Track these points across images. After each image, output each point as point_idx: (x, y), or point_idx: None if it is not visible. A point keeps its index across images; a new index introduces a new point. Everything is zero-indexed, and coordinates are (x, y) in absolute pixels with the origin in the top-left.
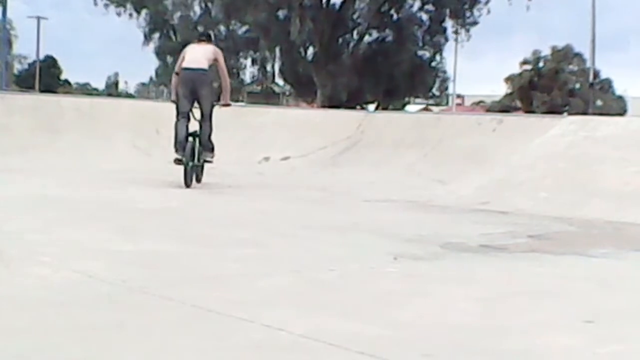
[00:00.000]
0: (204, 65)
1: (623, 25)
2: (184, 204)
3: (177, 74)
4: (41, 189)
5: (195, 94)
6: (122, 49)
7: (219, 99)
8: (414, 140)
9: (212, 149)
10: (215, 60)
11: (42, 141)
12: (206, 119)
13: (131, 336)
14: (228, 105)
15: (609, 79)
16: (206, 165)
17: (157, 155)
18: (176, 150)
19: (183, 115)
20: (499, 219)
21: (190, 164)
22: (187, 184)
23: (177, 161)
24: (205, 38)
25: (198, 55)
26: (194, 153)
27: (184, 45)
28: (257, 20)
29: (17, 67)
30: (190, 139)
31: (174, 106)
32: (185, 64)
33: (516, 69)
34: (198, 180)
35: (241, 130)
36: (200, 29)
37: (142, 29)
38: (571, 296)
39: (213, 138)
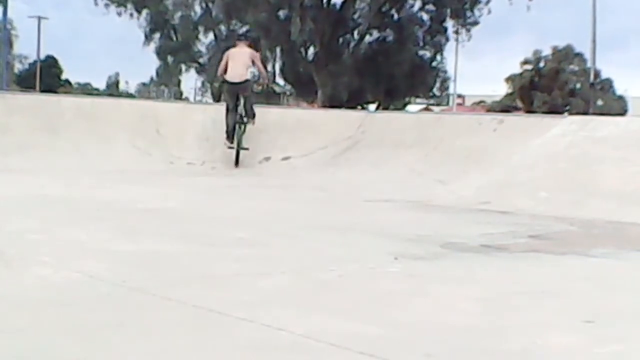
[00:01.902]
0: (245, 76)
1: (623, 25)
2: (184, 203)
3: (224, 81)
4: (41, 189)
5: (239, 95)
6: (122, 49)
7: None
8: (415, 140)
9: (254, 115)
10: (253, 62)
11: (42, 141)
12: (251, 115)
13: (131, 336)
14: (265, 84)
15: (609, 79)
16: (206, 165)
17: (157, 155)
18: (227, 138)
19: (232, 110)
20: (499, 219)
21: (238, 148)
22: (237, 164)
23: (230, 147)
24: (244, 38)
25: (239, 66)
26: (240, 140)
27: (226, 49)
28: (257, 20)
29: (17, 67)
30: (237, 127)
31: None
32: (229, 78)
33: (517, 69)
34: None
35: None
36: (201, 29)
37: (142, 29)
38: (571, 296)
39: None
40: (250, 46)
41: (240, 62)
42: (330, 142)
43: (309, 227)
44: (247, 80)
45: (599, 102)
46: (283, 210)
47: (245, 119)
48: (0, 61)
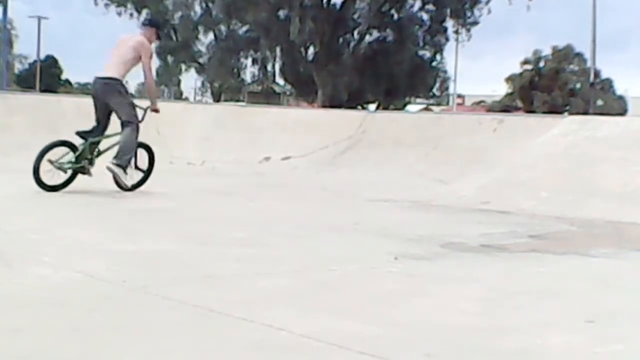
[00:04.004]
0: (115, 72)
1: (623, 25)
2: (184, 203)
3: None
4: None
5: (107, 106)
6: None
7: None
8: (415, 140)
9: (122, 164)
10: (139, 58)
11: (42, 141)
12: (125, 126)
13: (131, 336)
14: (156, 110)
15: (609, 79)
16: (206, 165)
17: (157, 155)
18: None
19: (96, 122)
20: (499, 219)
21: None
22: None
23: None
24: (148, 22)
25: (111, 59)
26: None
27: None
28: (257, 19)
29: (17, 67)
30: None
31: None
32: (98, 72)
33: (517, 69)
34: (124, 187)
35: (242, 130)
36: (201, 29)
37: None
38: (571, 296)
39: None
40: (157, 37)
41: (115, 58)
42: (330, 142)
43: (309, 227)
44: (113, 79)
45: (599, 102)
46: (283, 210)
47: (92, 140)
48: (1, 61)
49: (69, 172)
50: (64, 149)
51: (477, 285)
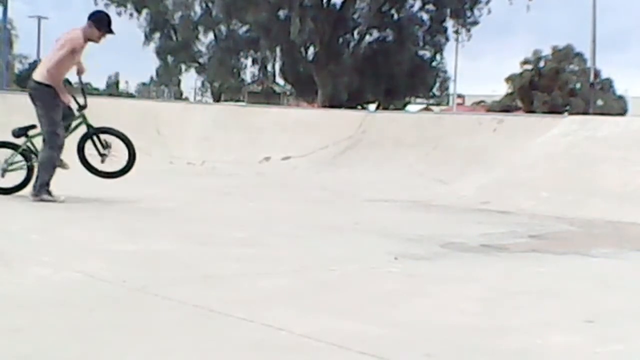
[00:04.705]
0: (43, 76)
1: (623, 25)
2: (183, 203)
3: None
4: None
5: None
6: (122, 48)
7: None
8: (415, 140)
9: (41, 193)
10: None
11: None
12: (45, 144)
13: (131, 336)
14: (64, 103)
15: (609, 79)
16: (206, 165)
17: (157, 155)
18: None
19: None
20: (499, 219)
21: None
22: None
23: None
24: (88, 16)
25: (45, 59)
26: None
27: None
28: (257, 20)
29: (17, 67)
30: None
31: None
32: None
33: (517, 69)
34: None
35: (242, 130)
36: (201, 29)
37: (142, 29)
38: (571, 296)
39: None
40: (100, 32)
41: (48, 57)
42: (330, 142)
43: (309, 227)
44: (40, 85)
45: (599, 102)
46: (283, 210)
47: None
48: (0, 61)
49: (23, 171)
50: (5, 151)
51: (477, 285)
